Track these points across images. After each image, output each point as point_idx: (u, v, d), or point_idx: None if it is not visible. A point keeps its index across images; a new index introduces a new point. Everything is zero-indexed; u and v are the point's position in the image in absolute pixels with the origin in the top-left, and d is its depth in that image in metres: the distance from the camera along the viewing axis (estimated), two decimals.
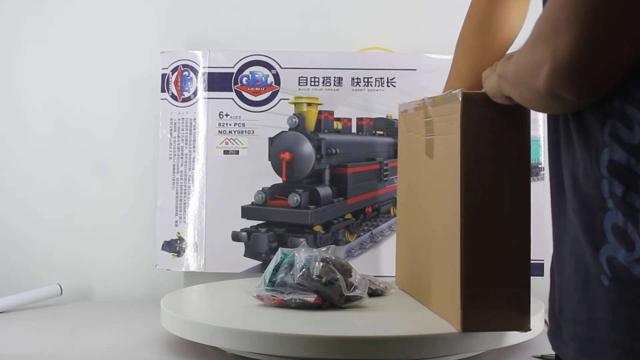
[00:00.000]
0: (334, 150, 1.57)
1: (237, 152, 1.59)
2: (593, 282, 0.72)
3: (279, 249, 1.27)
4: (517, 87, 0.80)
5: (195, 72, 1.60)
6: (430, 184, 1.21)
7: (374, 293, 1.32)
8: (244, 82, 1.59)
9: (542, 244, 1.38)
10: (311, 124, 1.58)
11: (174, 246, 1.58)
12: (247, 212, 1.57)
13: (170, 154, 1.59)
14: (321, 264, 1.21)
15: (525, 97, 0.78)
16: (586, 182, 0.73)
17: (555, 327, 0.80)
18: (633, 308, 0.68)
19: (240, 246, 1.57)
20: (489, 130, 1.04)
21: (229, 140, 1.59)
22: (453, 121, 1.06)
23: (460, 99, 1.04)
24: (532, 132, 1.06)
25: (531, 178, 1.11)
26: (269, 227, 1.57)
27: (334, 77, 1.58)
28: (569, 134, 0.77)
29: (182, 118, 1.60)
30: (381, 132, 1.59)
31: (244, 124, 1.59)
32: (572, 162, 0.76)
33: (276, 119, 1.57)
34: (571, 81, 0.66)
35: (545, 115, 0.90)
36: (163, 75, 1.60)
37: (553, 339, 0.81)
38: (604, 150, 0.70)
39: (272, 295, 1.22)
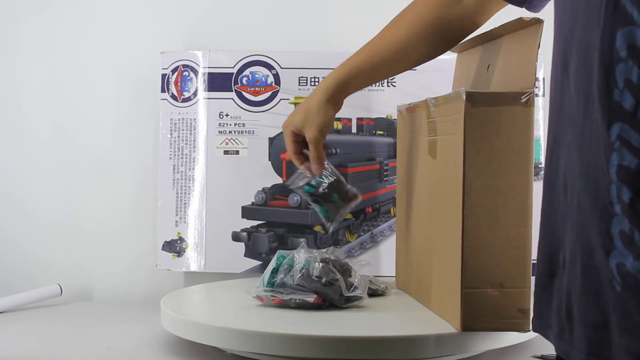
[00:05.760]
0: (334, 150, 1.56)
1: (237, 152, 1.59)
2: (605, 286, 0.71)
3: (277, 251, 1.27)
4: None
5: (196, 72, 1.60)
6: (432, 185, 1.21)
7: (374, 293, 1.32)
8: (244, 82, 1.59)
9: None
10: None
11: (174, 246, 1.58)
12: (247, 212, 1.57)
13: (170, 154, 1.59)
14: (321, 264, 1.21)
15: None
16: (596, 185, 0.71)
17: (559, 329, 0.79)
18: None
19: (241, 246, 1.57)
20: (492, 130, 1.04)
21: (229, 140, 1.58)
22: (456, 121, 1.06)
23: (464, 98, 1.04)
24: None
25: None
26: (269, 227, 1.56)
27: None
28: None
29: (182, 118, 1.59)
30: (381, 132, 1.59)
31: (244, 124, 1.59)
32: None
33: (276, 119, 1.57)
34: None
35: (547, 115, 0.90)
36: (163, 76, 1.60)
37: (558, 341, 0.80)
38: (612, 154, 0.68)
39: (272, 296, 1.22)
